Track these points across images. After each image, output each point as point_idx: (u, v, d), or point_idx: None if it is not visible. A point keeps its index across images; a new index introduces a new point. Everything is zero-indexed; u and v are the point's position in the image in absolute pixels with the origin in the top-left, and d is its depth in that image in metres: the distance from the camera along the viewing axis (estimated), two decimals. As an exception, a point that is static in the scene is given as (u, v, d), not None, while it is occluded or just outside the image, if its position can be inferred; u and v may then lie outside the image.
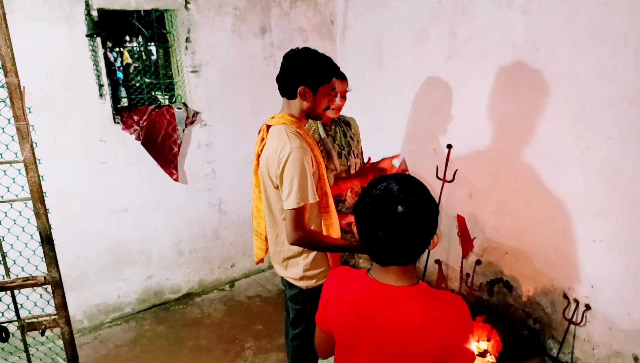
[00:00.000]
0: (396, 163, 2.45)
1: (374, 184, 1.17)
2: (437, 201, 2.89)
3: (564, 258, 2.57)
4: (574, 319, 2.54)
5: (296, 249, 1.94)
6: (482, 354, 2.69)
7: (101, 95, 2.89)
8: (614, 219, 2.31)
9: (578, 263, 2.51)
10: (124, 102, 3.16)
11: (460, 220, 2.84)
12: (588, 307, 2.50)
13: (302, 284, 1.99)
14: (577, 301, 2.54)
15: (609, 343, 2.45)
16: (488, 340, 2.67)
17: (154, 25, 3.09)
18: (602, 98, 2.25)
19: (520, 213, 2.76)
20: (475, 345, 2.70)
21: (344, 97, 2.34)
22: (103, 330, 3.18)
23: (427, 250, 1.19)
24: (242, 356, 2.91)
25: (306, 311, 2.04)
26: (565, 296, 2.59)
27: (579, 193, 2.43)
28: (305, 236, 1.81)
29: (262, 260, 2.23)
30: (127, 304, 3.32)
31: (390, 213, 1.10)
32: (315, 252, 1.95)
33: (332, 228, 1.96)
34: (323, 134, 2.35)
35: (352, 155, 2.46)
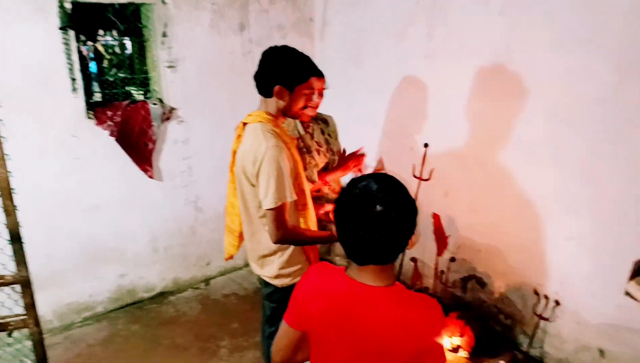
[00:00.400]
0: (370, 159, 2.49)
1: (354, 183, 1.18)
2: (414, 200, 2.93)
3: (535, 255, 2.63)
4: (544, 315, 2.61)
5: (272, 247, 1.94)
6: (455, 350, 2.74)
7: (74, 89, 2.82)
8: (584, 217, 2.38)
9: (548, 260, 2.58)
10: (98, 97, 3.09)
11: (436, 218, 2.88)
12: (557, 303, 2.57)
13: (278, 282, 1.99)
14: (547, 297, 2.61)
15: (576, 337, 2.52)
16: (461, 336, 2.72)
17: (130, 20, 3.03)
18: (576, 98, 2.31)
19: (494, 211, 2.81)
20: (449, 341, 2.75)
21: (321, 95, 2.34)
22: (74, 330, 3.12)
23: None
24: (218, 354, 2.90)
25: (282, 310, 2.02)
26: (535, 292, 2.66)
27: (550, 191, 2.50)
28: (287, 234, 1.82)
29: (232, 257, 2.22)
30: (99, 303, 3.26)
31: (369, 212, 1.11)
32: (290, 250, 1.96)
33: (310, 223, 1.97)
34: (302, 131, 2.35)
35: (330, 152, 2.47)
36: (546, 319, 2.62)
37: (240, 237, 2.13)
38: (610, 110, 2.19)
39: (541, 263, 2.62)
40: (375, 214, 1.11)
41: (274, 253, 1.96)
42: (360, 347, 1.20)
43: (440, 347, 1.17)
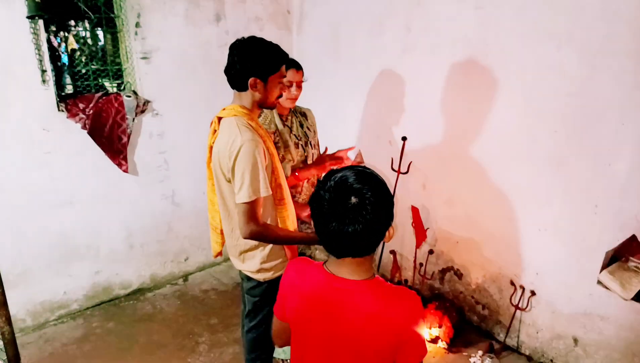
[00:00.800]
0: (351, 154, 2.48)
1: (330, 175, 1.17)
2: (392, 193, 2.94)
3: (511, 246, 2.68)
4: (520, 305, 2.67)
5: (252, 242, 1.91)
6: (434, 340, 2.78)
7: (44, 81, 2.73)
8: (557, 208, 2.43)
9: (524, 250, 2.63)
10: (69, 89, 3.00)
11: (414, 211, 2.90)
12: (533, 293, 2.62)
13: (260, 276, 1.97)
14: (523, 288, 2.67)
15: (551, 326, 2.58)
16: (439, 327, 2.75)
17: (102, 9, 2.94)
18: (548, 92, 2.35)
19: (470, 203, 2.85)
20: (428, 332, 2.79)
21: (299, 87, 2.32)
22: (48, 329, 3.04)
23: (382, 242, 1.20)
24: (197, 351, 2.86)
25: (263, 303, 2.03)
26: (512, 283, 2.71)
27: (525, 183, 2.54)
28: (257, 230, 1.79)
29: (220, 254, 2.19)
30: (73, 301, 3.18)
31: (344, 204, 1.10)
32: (271, 244, 1.94)
33: (288, 220, 1.95)
34: (280, 125, 2.33)
35: (309, 146, 2.46)
36: (522, 309, 2.67)
37: (222, 234, 2.09)
38: (579, 104, 2.24)
39: (517, 254, 2.66)
40: (350, 207, 1.10)
41: (255, 247, 1.93)
42: (339, 341, 1.20)
43: (420, 338, 1.18)
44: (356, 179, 1.12)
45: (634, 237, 2.20)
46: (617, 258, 2.39)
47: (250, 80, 1.79)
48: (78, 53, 3.02)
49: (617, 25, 2.05)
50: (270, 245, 1.94)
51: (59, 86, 2.89)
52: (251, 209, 1.76)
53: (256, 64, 1.78)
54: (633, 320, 2.24)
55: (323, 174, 1.20)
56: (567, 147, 2.33)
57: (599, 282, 2.34)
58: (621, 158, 2.14)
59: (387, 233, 1.18)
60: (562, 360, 2.57)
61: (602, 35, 2.10)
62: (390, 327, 1.15)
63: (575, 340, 2.49)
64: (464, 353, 2.75)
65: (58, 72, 2.89)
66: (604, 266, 2.33)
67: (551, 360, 2.62)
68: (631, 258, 2.38)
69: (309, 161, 2.44)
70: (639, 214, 2.14)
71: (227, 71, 1.84)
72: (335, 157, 2.36)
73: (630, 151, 2.11)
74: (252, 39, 1.82)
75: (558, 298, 2.53)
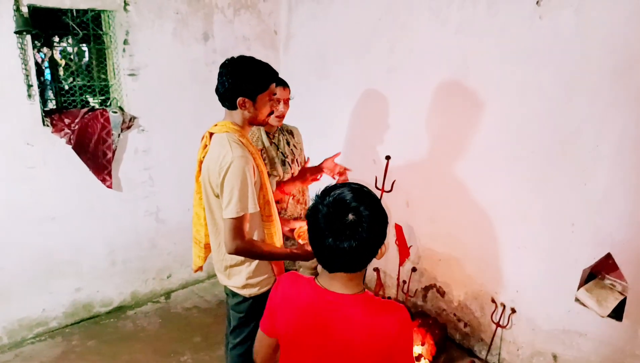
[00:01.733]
0: (338, 161, 2.52)
1: (329, 191, 1.21)
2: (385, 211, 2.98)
3: (492, 264, 2.73)
4: (500, 322, 2.70)
5: (239, 258, 1.92)
6: (417, 358, 2.79)
7: (30, 96, 2.72)
8: (536, 226, 2.49)
9: (504, 268, 2.68)
10: (53, 104, 2.99)
11: (398, 229, 2.93)
12: (513, 310, 2.66)
13: (246, 292, 1.97)
14: (503, 305, 2.71)
15: (532, 343, 2.62)
16: (422, 345, 2.77)
17: (90, 26, 2.96)
18: (526, 112, 2.43)
19: (452, 221, 2.90)
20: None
21: (287, 105, 2.36)
22: (25, 347, 2.97)
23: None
24: (178, 369, 2.83)
25: (249, 319, 2.03)
26: (493, 300, 2.75)
27: (504, 201, 2.61)
28: (243, 246, 1.80)
29: (201, 268, 2.19)
30: (52, 318, 3.12)
31: (342, 220, 1.14)
32: (258, 260, 1.95)
33: (276, 236, 1.97)
34: (267, 143, 2.36)
35: (296, 163, 2.49)
36: (503, 326, 2.71)
37: (207, 248, 2.10)
38: (556, 124, 2.32)
39: (497, 271, 2.71)
40: (347, 223, 1.14)
41: (241, 263, 1.94)
42: (331, 354, 1.21)
43: (410, 350, 1.21)
44: (353, 197, 1.16)
45: (609, 255, 2.26)
46: (594, 275, 2.45)
47: (239, 100, 1.82)
48: (63, 68, 3.02)
49: (592, 46, 2.14)
50: (257, 261, 1.95)
51: (45, 101, 2.88)
52: (238, 225, 1.77)
53: (244, 84, 1.81)
54: (610, 336, 2.29)
55: (321, 190, 1.23)
56: (545, 166, 2.40)
57: (577, 299, 2.39)
58: (597, 177, 2.22)
59: (379, 250, 1.21)
60: (542, 377, 2.60)
61: (577, 56, 2.19)
62: (381, 339, 1.17)
63: (555, 357, 2.53)
64: (447, 371, 2.76)
65: (43, 87, 2.89)
66: (582, 283, 2.39)
67: (532, 377, 2.66)
68: (607, 275, 2.44)
69: None
70: (615, 232, 2.21)
71: (218, 91, 1.87)
72: (316, 169, 2.40)
73: (605, 170, 2.19)
74: (241, 59, 1.85)
75: (538, 315, 2.58)
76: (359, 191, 1.19)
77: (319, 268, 1.25)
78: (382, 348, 1.17)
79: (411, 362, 1.21)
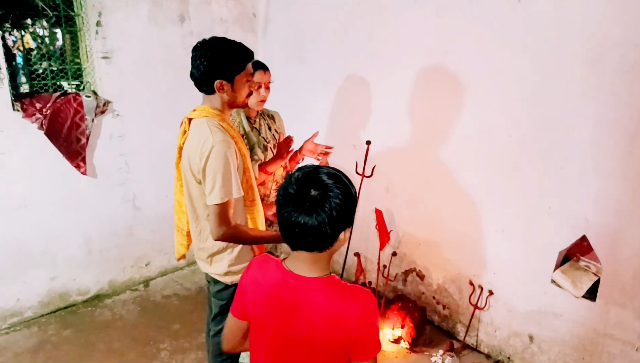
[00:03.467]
0: (317, 140, 2.50)
1: (301, 168, 1.19)
2: (356, 196, 2.98)
3: (470, 247, 2.77)
4: (478, 304, 2.75)
5: (221, 245, 1.90)
6: (397, 341, 2.83)
7: (-2, 79, 2.62)
8: (513, 209, 2.53)
9: (482, 251, 2.72)
10: (25, 88, 2.88)
11: (378, 214, 2.94)
12: (491, 292, 2.71)
13: (227, 279, 1.96)
14: (481, 288, 2.75)
15: (509, 324, 2.68)
16: (402, 328, 2.80)
17: (61, 7, 2.86)
18: (503, 98, 2.45)
19: (431, 205, 2.92)
20: (390, 332, 2.83)
21: (268, 88, 2.33)
22: (0, 338, 2.91)
23: (347, 244, 1.22)
24: (158, 357, 2.80)
25: (230, 307, 2.01)
26: (471, 283, 2.79)
27: (483, 185, 2.64)
28: (229, 232, 1.78)
29: (184, 257, 2.16)
30: (27, 308, 3.05)
31: (304, 195, 1.13)
32: (240, 247, 1.93)
33: (259, 220, 1.95)
34: (247, 128, 2.33)
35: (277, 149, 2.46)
36: (481, 308, 2.75)
37: (189, 236, 2.06)
38: (533, 109, 2.35)
39: (475, 254, 2.75)
40: (308, 198, 1.12)
41: (223, 250, 1.92)
42: (293, 337, 1.21)
43: (373, 335, 1.21)
44: (324, 175, 1.15)
45: (584, 237, 2.32)
46: (569, 257, 2.50)
47: (217, 83, 1.77)
48: (35, 52, 2.91)
49: (567, 33, 2.16)
50: (239, 248, 1.93)
51: (14, 85, 2.78)
52: (223, 211, 1.74)
53: (220, 66, 1.76)
54: (584, 317, 2.36)
55: (296, 167, 1.22)
56: (522, 150, 2.43)
57: (553, 281, 2.45)
58: (573, 161, 2.26)
59: (341, 235, 1.18)
60: (518, 357, 2.67)
61: (553, 42, 2.22)
62: (342, 324, 1.16)
63: (531, 338, 2.59)
64: (426, 353, 2.81)
65: (13, 71, 2.78)
66: (557, 265, 2.44)
67: (508, 358, 2.72)
68: (582, 257, 2.50)
69: None
70: (589, 215, 2.26)
71: (193, 75, 1.82)
72: (287, 142, 2.34)
73: (581, 154, 2.22)
74: (214, 40, 1.79)
75: (515, 297, 2.63)
76: (332, 172, 1.18)
77: (288, 249, 1.23)
78: (344, 333, 1.17)
79: (373, 348, 1.21)
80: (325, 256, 1.22)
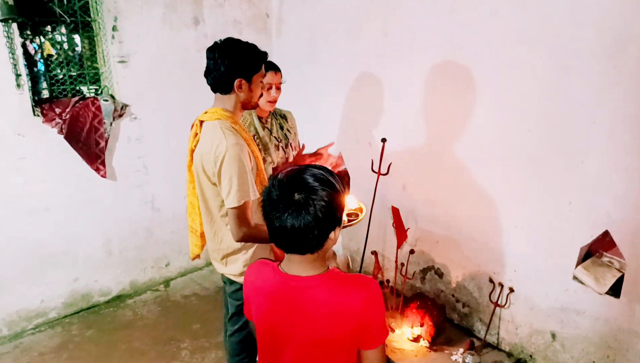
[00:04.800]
0: (332, 151, 2.51)
1: (286, 171, 1.18)
2: (373, 194, 2.97)
3: (489, 244, 2.73)
4: (499, 302, 2.71)
5: (235, 245, 1.91)
6: (416, 339, 2.81)
7: (18, 85, 2.68)
8: (533, 206, 2.49)
9: (501, 248, 2.68)
10: (45, 94, 2.95)
11: (395, 212, 2.92)
12: (511, 290, 2.67)
13: (243, 280, 1.96)
14: (501, 285, 2.71)
15: (530, 322, 2.63)
16: (421, 326, 2.78)
17: (78, 13, 2.91)
18: (521, 93, 2.41)
19: (449, 202, 2.89)
20: (410, 331, 2.81)
21: (278, 89, 2.33)
22: (25, 338, 2.97)
23: (364, 242, 1.21)
24: (178, 357, 2.83)
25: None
26: (490, 280, 2.75)
27: (501, 182, 2.59)
28: (250, 232, 1.79)
29: (198, 256, 2.18)
30: (51, 309, 3.12)
31: (288, 199, 1.11)
32: (254, 248, 1.94)
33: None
34: (260, 128, 2.33)
35: (290, 148, 2.47)
36: (501, 306, 2.71)
37: (203, 237, 2.08)
38: (551, 104, 2.30)
39: (495, 251, 2.71)
40: (293, 201, 1.11)
41: (238, 251, 1.93)
42: (302, 337, 1.21)
43: (380, 321, 1.20)
44: (308, 177, 1.14)
45: (606, 233, 2.26)
46: (591, 253, 2.45)
47: (236, 81, 1.79)
48: (55, 58, 2.97)
49: (585, 27, 2.11)
50: (253, 248, 1.94)
51: (35, 90, 2.84)
52: (242, 213, 1.76)
53: (241, 65, 1.78)
54: (607, 314, 2.30)
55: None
56: (541, 146, 2.38)
57: (575, 277, 2.39)
58: (593, 155, 2.20)
59: (332, 235, 1.18)
60: (540, 355, 2.62)
61: (570, 37, 2.17)
62: (349, 315, 1.16)
63: (553, 335, 2.54)
64: (446, 351, 2.78)
65: (34, 77, 2.84)
66: (579, 261, 2.39)
67: (530, 356, 2.67)
68: (605, 253, 2.44)
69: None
70: (611, 211, 2.20)
71: (209, 74, 1.83)
72: (314, 154, 2.39)
73: (601, 148, 2.17)
74: (231, 40, 1.82)
75: (535, 294, 2.58)
76: (316, 175, 1.15)
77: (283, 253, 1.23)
78: (350, 324, 1.16)
79: (382, 334, 1.20)
80: (320, 256, 1.22)
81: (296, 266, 1.21)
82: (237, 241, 1.81)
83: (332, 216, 1.15)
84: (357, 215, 2.24)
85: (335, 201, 1.15)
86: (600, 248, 2.43)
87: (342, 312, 1.16)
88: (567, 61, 2.20)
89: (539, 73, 2.31)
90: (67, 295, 3.17)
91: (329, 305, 1.17)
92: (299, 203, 1.11)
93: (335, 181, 1.17)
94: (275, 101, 2.33)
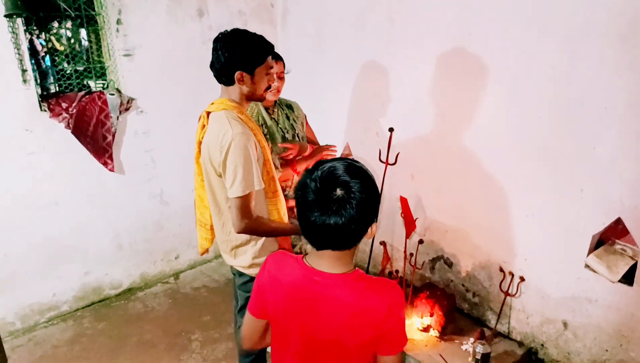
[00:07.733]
0: (339, 140, 2.49)
1: (319, 165, 1.15)
2: (381, 184, 2.95)
3: (499, 233, 2.70)
4: (509, 291, 2.69)
5: (244, 237, 1.91)
6: (426, 329, 2.80)
7: (25, 81, 2.69)
8: (544, 194, 2.45)
9: (512, 237, 2.65)
10: (52, 88, 2.95)
11: (404, 201, 2.90)
12: (522, 279, 2.64)
13: (252, 271, 1.96)
14: (512, 274, 2.69)
15: (541, 311, 2.61)
16: (431, 316, 2.77)
17: (82, 7, 2.90)
18: (531, 79, 2.36)
19: (458, 192, 2.86)
20: (420, 321, 2.80)
21: (281, 79, 2.31)
22: (38, 331, 3.01)
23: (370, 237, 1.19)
24: (189, 348, 2.85)
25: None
26: (501, 269, 2.73)
27: (511, 170, 2.56)
28: (251, 224, 1.78)
29: (207, 251, 2.17)
30: (63, 302, 3.15)
31: (329, 196, 1.09)
32: (263, 239, 1.93)
33: (280, 212, 1.95)
34: (268, 119, 2.32)
35: (297, 138, 2.45)
36: (512, 295, 2.69)
37: (212, 230, 2.07)
38: (562, 89, 2.26)
39: (505, 240, 2.68)
40: (334, 199, 1.08)
41: (246, 242, 1.92)
42: (320, 334, 1.19)
43: (400, 328, 1.18)
44: (345, 172, 1.11)
45: (619, 220, 2.22)
46: (603, 241, 2.41)
47: (237, 74, 1.77)
48: (61, 52, 2.97)
49: (596, 11, 2.06)
50: (262, 240, 1.93)
51: (42, 85, 2.85)
52: (244, 204, 1.75)
53: (241, 57, 1.76)
54: (620, 302, 2.27)
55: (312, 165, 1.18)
56: (552, 132, 2.34)
57: (587, 266, 2.36)
58: (605, 141, 2.16)
59: (369, 230, 1.16)
60: (552, 344, 2.60)
61: (581, 21, 2.12)
62: (370, 319, 1.14)
63: (565, 324, 2.52)
64: (456, 341, 2.76)
65: (41, 72, 2.85)
66: (591, 249, 2.36)
67: (542, 345, 2.65)
68: (617, 240, 2.40)
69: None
70: (624, 198, 2.16)
71: (213, 66, 1.82)
72: (333, 149, 2.37)
73: (613, 134, 2.13)
74: (235, 32, 1.80)
75: (547, 283, 2.56)
76: (351, 165, 1.13)
77: (309, 246, 1.21)
78: (371, 329, 1.14)
79: (401, 342, 1.19)
80: (350, 252, 1.20)
81: (324, 261, 1.18)
82: (238, 232, 1.80)
83: (372, 209, 1.13)
84: None
85: (375, 193, 1.14)
86: (612, 235, 2.39)
87: (365, 315, 1.14)
88: (578, 46, 2.15)
89: (550, 58, 2.26)
90: (79, 288, 3.21)
91: (353, 307, 1.15)
92: (341, 199, 1.08)
93: (369, 173, 1.16)
94: (279, 91, 2.31)
